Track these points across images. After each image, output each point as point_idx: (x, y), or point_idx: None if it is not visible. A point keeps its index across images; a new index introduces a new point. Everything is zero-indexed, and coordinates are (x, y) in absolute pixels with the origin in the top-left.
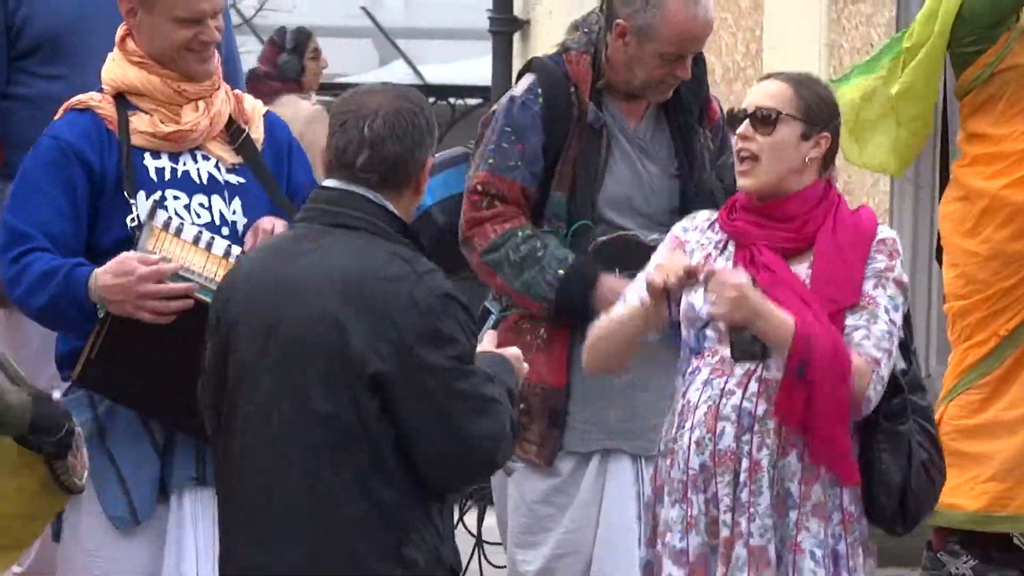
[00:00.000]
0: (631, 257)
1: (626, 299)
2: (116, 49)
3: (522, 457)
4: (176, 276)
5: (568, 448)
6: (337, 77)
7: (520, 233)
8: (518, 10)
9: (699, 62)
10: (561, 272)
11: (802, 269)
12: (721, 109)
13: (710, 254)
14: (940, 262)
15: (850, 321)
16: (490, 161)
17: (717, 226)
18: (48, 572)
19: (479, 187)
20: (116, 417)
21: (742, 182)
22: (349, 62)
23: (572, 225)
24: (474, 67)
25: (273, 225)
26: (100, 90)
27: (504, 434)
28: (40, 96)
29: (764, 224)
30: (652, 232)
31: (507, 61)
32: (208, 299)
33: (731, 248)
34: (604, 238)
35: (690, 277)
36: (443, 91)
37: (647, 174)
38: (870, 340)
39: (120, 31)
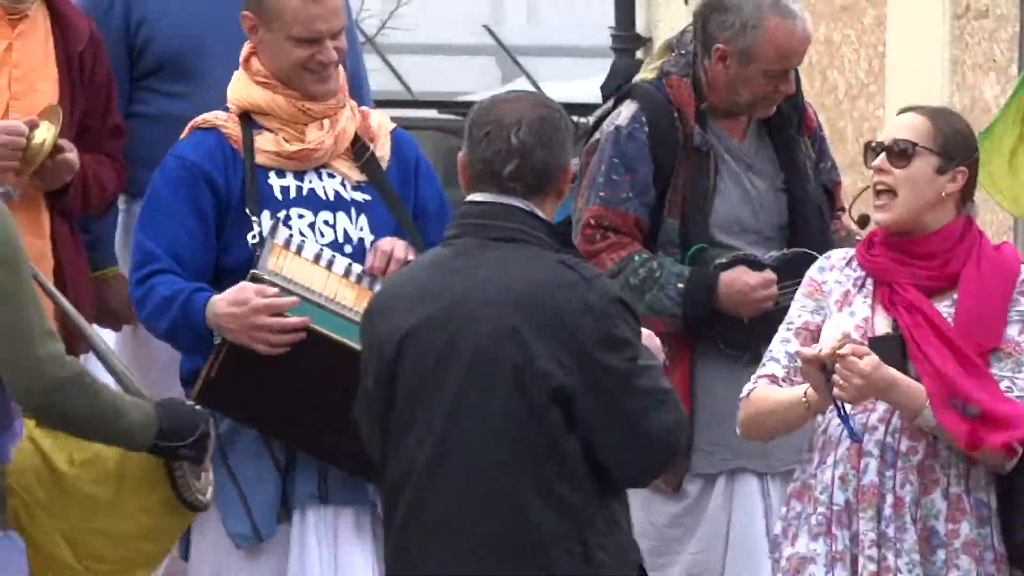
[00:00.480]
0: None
1: (775, 355)
2: (241, 68)
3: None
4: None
5: (695, 470)
6: (460, 95)
7: (636, 258)
8: (640, 27)
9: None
10: (681, 285)
11: (943, 307)
12: (816, 116)
13: (848, 291)
14: None
15: (994, 370)
16: (601, 194)
17: (855, 263)
18: None
19: (592, 220)
20: (237, 436)
21: (879, 216)
22: (471, 79)
23: (687, 250)
24: (597, 85)
25: (394, 245)
26: (225, 109)
27: (682, 422)
28: (163, 114)
29: (905, 261)
30: (764, 248)
31: (630, 78)
32: (324, 329)
33: (869, 286)
34: (721, 260)
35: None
36: (567, 108)
37: (755, 191)
38: (1014, 392)
39: (245, 50)
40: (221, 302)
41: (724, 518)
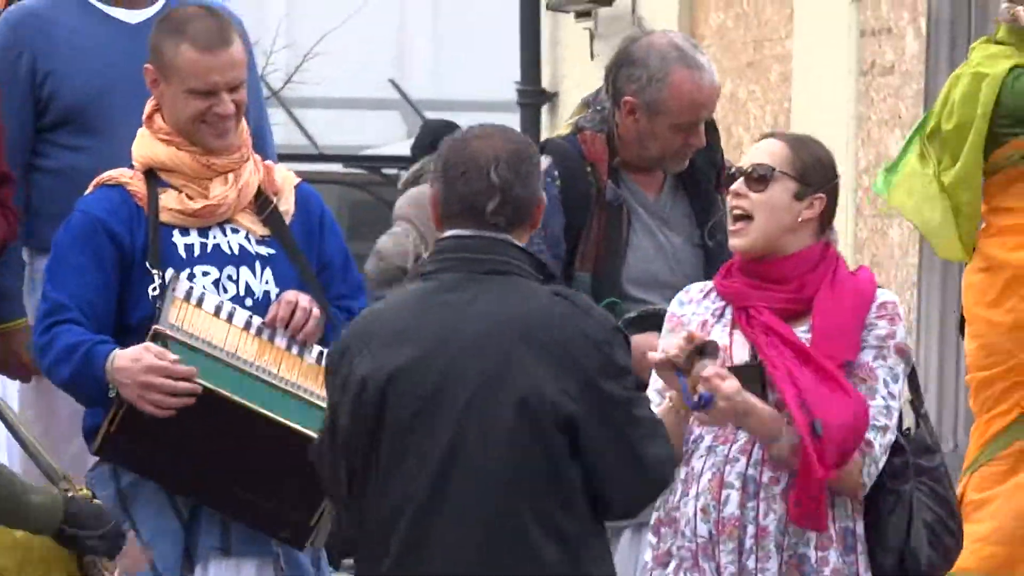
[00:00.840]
0: (660, 331)
1: (649, 393)
2: (144, 126)
3: None
4: (192, 354)
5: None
6: (365, 148)
7: None
8: (546, 83)
9: (711, 128)
10: None
11: (800, 332)
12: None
13: (706, 321)
14: (963, 334)
15: None
16: None
17: (713, 294)
18: None
19: None
20: (140, 489)
21: (734, 241)
22: (377, 133)
23: (598, 303)
24: None
25: (298, 297)
26: (131, 165)
27: (672, 454)
28: (67, 168)
29: (760, 286)
30: None
31: (536, 133)
32: (221, 388)
33: (728, 315)
34: (631, 315)
35: (690, 342)
36: None
37: (671, 246)
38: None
39: (148, 107)
40: (120, 356)
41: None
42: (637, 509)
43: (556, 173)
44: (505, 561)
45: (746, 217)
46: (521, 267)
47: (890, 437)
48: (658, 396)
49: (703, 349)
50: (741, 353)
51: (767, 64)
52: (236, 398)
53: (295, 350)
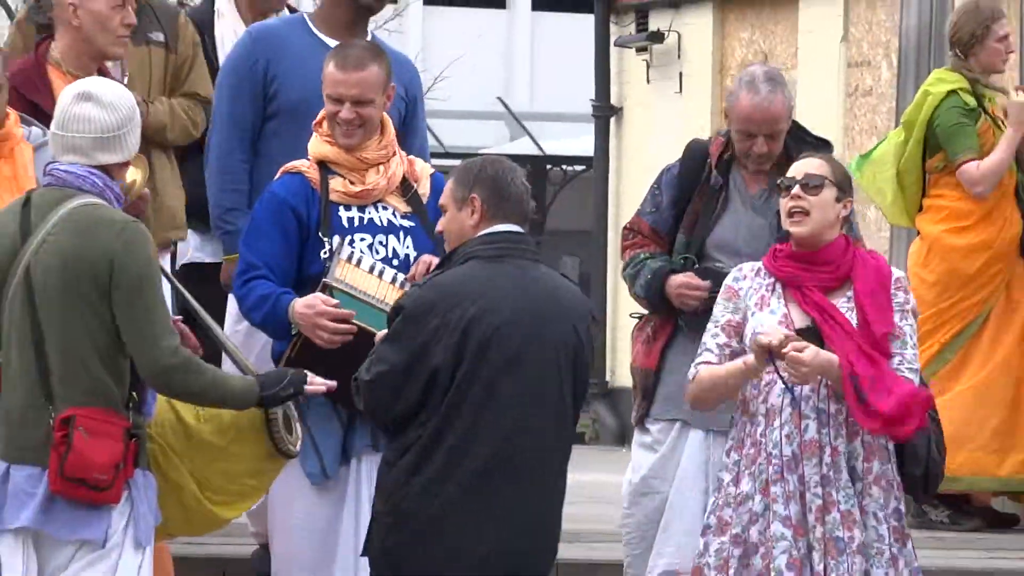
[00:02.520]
0: (716, 283)
1: (708, 347)
2: (315, 130)
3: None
4: (352, 301)
5: (655, 416)
6: (479, 149)
7: (641, 255)
8: (614, 100)
9: (825, 144)
10: (648, 277)
11: (841, 302)
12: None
13: (764, 295)
14: None
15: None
16: (639, 208)
17: (764, 272)
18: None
19: (628, 224)
20: (311, 401)
21: (795, 230)
22: (487, 137)
23: (678, 258)
24: (581, 142)
25: (431, 259)
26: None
27: None
28: (274, 153)
29: (808, 268)
30: None
31: (605, 138)
32: (370, 325)
33: (779, 289)
34: (698, 266)
35: (787, 338)
36: (559, 160)
37: (753, 226)
38: (904, 364)
39: (320, 114)
40: (298, 304)
41: (676, 455)
42: None
43: (680, 160)
44: (564, 434)
45: (803, 212)
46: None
47: (919, 376)
48: (717, 348)
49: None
50: (800, 319)
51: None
52: (381, 333)
53: None
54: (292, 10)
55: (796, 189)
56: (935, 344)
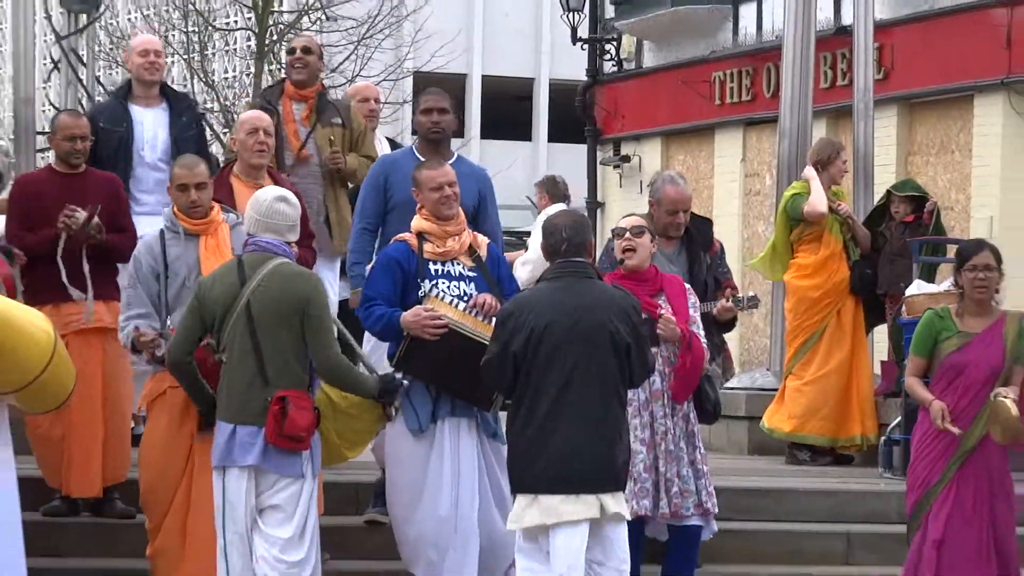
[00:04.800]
0: None
1: None
2: (418, 212)
3: None
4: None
5: None
6: (514, 228)
7: None
8: (600, 197)
9: (706, 221)
10: None
11: (661, 302)
12: (721, 245)
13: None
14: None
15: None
16: (599, 263)
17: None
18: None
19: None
20: (412, 384)
21: (628, 263)
22: (519, 221)
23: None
24: None
25: (485, 298)
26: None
27: (655, 360)
28: (391, 230)
29: (637, 284)
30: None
31: (594, 221)
32: (461, 329)
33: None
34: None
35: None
36: None
37: (671, 270)
38: (700, 339)
39: (417, 207)
40: (406, 314)
41: None
42: (640, 383)
43: None
44: (601, 415)
45: (633, 250)
46: (594, 274)
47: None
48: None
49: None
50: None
51: (700, 190)
52: (463, 332)
53: (480, 317)
54: (394, 144)
55: (627, 235)
56: (791, 348)
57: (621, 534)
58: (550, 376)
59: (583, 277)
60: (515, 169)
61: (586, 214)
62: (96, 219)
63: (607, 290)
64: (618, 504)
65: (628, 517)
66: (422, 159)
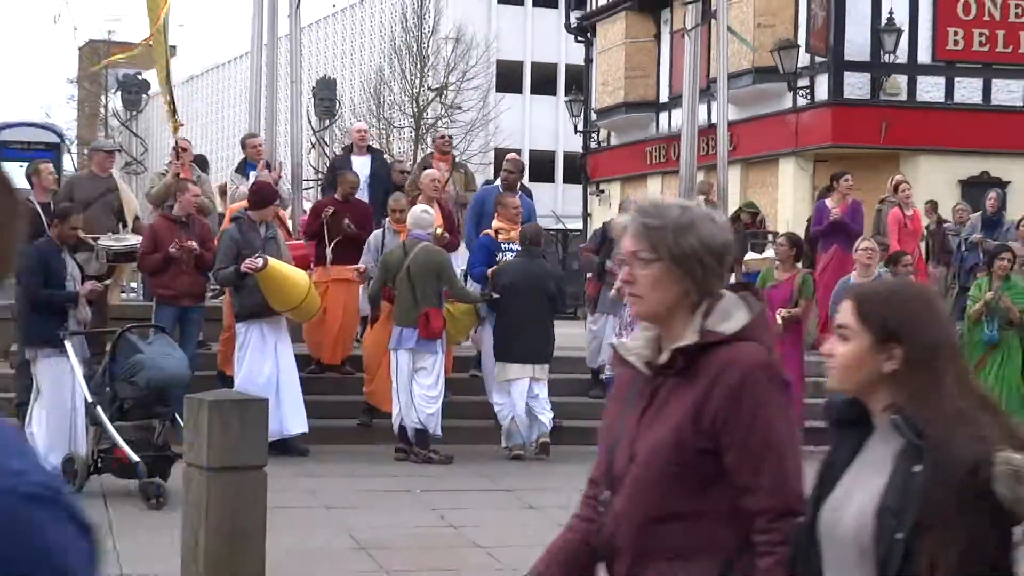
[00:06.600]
0: None
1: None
2: (495, 218)
3: None
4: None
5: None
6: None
7: None
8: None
9: None
10: None
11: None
12: None
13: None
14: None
15: None
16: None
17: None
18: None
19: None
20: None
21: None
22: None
23: None
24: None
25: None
26: None
27: None
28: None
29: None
30: None
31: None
32: None
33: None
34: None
35: None
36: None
37: None
38: None
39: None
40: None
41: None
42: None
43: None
44: (546, 321)
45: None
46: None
47: None
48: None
49: None
50: None
51: None
52: None
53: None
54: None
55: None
56: None
57: (544, 390)
58: (512, 314)
59: (542, 257)
60: (544, 199)
61: (582, 222)
62: (350, 225)
63: (546, 267)
64: (543, 372)
65: (545, 379)
66: (503, 192)
